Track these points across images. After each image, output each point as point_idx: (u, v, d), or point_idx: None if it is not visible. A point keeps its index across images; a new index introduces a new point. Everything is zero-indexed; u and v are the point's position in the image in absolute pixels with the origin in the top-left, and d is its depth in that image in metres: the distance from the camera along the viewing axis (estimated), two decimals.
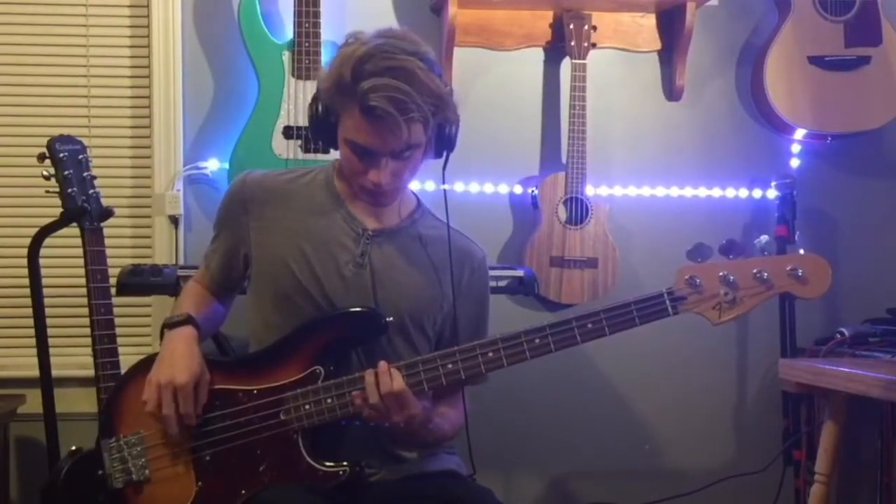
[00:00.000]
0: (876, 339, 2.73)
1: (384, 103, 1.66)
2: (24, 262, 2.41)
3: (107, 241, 2.31)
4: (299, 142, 2.66)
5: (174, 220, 2.83)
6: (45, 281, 2.44)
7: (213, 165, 2.83)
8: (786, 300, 2.89)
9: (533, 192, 2.91)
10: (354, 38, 1.76)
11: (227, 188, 2.01)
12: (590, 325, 1.70)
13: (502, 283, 2.55)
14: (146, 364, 1.82)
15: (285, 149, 2.66)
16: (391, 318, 1.78)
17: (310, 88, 2.65)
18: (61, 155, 2.25)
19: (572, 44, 2.84)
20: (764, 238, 1.69)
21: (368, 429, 1.80)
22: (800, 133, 3.00)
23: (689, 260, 1.69)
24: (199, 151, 2.86)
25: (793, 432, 2.92)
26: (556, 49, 2.95)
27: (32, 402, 2.66)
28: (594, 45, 2.89)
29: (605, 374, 3.03)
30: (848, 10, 2.93)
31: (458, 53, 2.84)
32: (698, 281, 1.68)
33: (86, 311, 2.27)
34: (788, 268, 1.67)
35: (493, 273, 2.45)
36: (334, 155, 1.93)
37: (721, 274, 1.67)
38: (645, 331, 2.85)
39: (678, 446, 3.06)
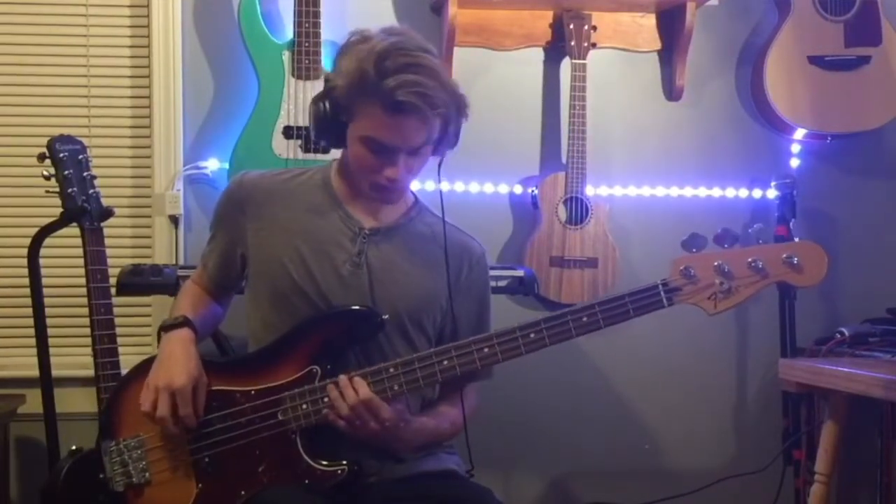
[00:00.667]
0: (876, 339, 2.73)
1: (415, 99, 1.66)
2: (24, 262, 2.41)
3: (107, 241, 2.31)
4: (299, 142, 2.66)
5: (174, 220, 2.83)
6: (45, 281, 2.44)
7: (213, 165, 2.83)
8: (786, 300, 2.89)
9: (533, 191, 2.91)
10: (360, 34, 1.76)
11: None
12: (584, 318, 1.69)
13: (502, 283, 2.55)
14: (145, 367, 1.82)
15: (285, 149, 2.66)
16: (387, 316, 1.78)
17: (310, 88, 2.65)
18: (61, 155, 2.25)
19: (572, 44, 2.84)
20: (758, 226, 1.68)
21: None
22: (800, 133, 3.00)
23: (685, 250, 1.68)
24: (199, 151, 2.86)
25: (793, 432, 2.91)
26: (556, 49, 2.95)
27: (32, 402, 2.66)
28: (594, 45, 2.89)
29: (605, 374, 3.03)
30: (848, 10, 2.93)
31: (458, 53, 2.84)
32: (693, 271, 1.66)
33: (86, 311, 2.27)
34: (784, 256, 1.66)
35: (493, 273, 2.44)
36: (334, 155, 1.93)
37: (716, 264, 1.66)
38: (645, 331, 2.90)
39: (678, 446, 3.06)
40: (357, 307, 1.79)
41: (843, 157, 3.08)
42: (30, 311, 2.43)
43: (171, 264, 2.69)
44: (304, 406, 1.73)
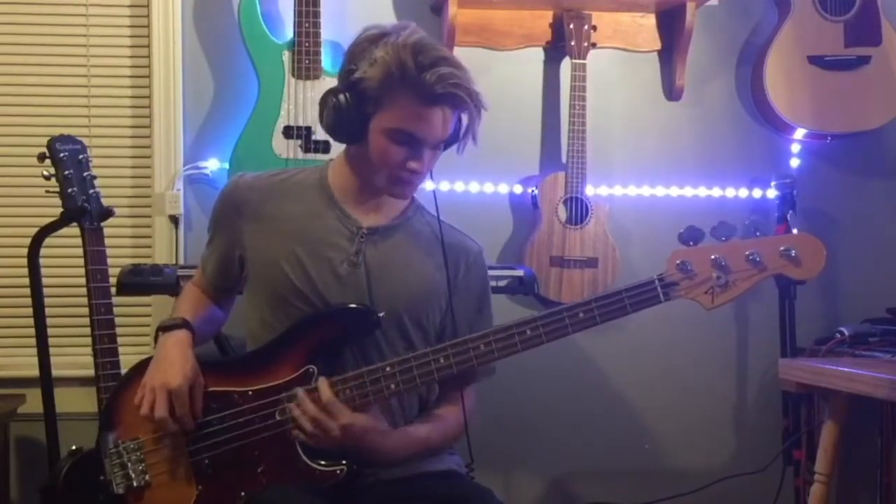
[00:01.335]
0: (876, 339, 2.73)
1: (453, 90, 1.70)
2: (24, 262, 2.41)
3: (107, 241, 2.31)
4: (299, 142, 2.66)
5: (174, 220, 2.83)
6: (45, 281, 2.44)
7: (213, 165, 2.83)
8: (786, 299, 2.88)
9: (533, 191, 2.91)
10: (378, 28, 1.77)
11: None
12: (581, 315, 1.69)
13: (502, 283, 2.55)
14: (143, 367, 1.82)
15: (285, 149, 2.66)
16: (383, 314, 1.78)
17: (310, 88, 2.65)
18: (61, 155, 2.25)
19: (572, 44, 2.84)
20: (754, 217, 1.67)
21: None
22: (800, 133, 3.00)
23: (681, 243, 1.67)
24: (199, 151, 2.86)
25: (793, 432, 2.91)
26: (556, 49, 2.95)
27: (32, 401, 2.66)
28: (594, 45, 2.89)
29: (605, 374, 3.03)
30: (848, 10, 2.93)
31: (458, 53, 2.83)
32: (690, 266, 1.65)
33: (86, 310, 2.27)
34: (781, 248, 1.64)
35: (492, 273, 2.45)
36: (334, 155, 1.93)
37: (713, 257, 1.65)
38: (645, 330, 2.90)
39: (678, 446, 3.06)
40: (353, 305, 1.78)
41: (843, 157, 3.08)
42: (30, 311, 2.43)
43: (172, 264, 2.69)
44: None
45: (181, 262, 2.80)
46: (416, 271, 1.86)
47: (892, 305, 2.87)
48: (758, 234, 1.65)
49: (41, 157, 2.27)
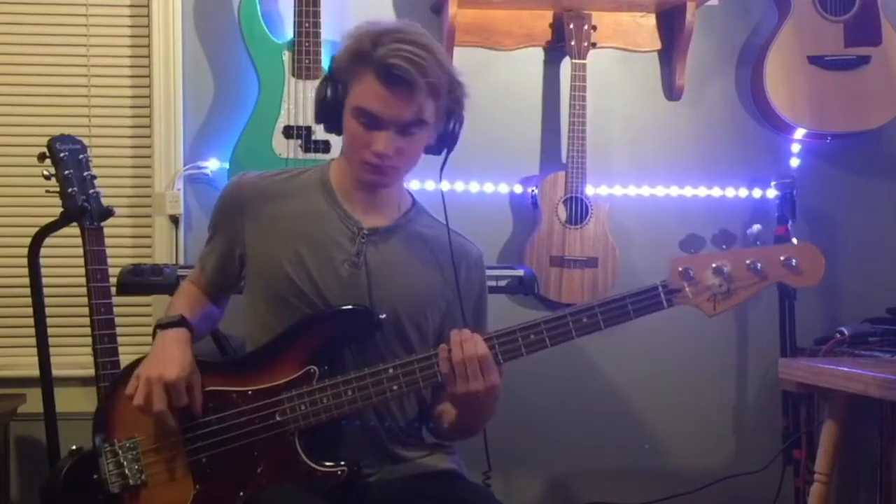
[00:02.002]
0: (876, 339, 2.73)
1: (405, 63, 1.67)
2: (24, 262, 2.41)
3: (107, 241, 2.30)
4: (299, 141, 2.66)
5: (174, 220, 2.83)
6: (45, 281, 2.44)
7: (213, 165, 2.84)
8: (785, 300, 2.89)
9: (533, 191, 2.91)
10: (369, 23, 1.77)
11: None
12: (584, 320, 1.69)
13: (502, 283, 2.55)
14: (138, 366, 1.80)
15: (285, 148, 2.66)
16: (385, 316, 1.78)
17: (310, 88, 2.65)
18: (61, 154, 2.25)
19: (572, 43, 2.84)
20: (756, 227, 1.68)
21: (366, 428, 1.80)
22: (799, 133, 3.00)
23: (683, 251, 1.68)
24: (199, 151, 2.86)
25: (793, 432, 2.91)
26: (556, 49, 2.95)
27: (32, 401, 2.66)
28: (594, 45, 2.89)
29: (605, 374, 3.03)
30: (848, 10, 2.93)
31: (458, 53, 2.84)
32: (692, 273, 1.66)
33: (86, 310, 2.27)
34: (782, 258, 1.66)
35: (492, 273, 2.45)
36: (335, 154, 1.93)
37: (715, 265, 1.66)
38: (645, 331, 2.89)
39: (678, 446, 3.06)
40: (354, 306, 1.78)
41: (843, 157, 3.09)
42: (30, 310, 2.43)
43: (172, 264, 2.69)
44: (303, 407, 1.73)
45: (181, 262, 2.80)
46: (415, 274, 1.85)
47: (892, 305, 2.87)
48: (758, 243, 1.67)
49: (41, 157, 2.26)
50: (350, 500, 1.74)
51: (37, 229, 2.39)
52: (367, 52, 1.70)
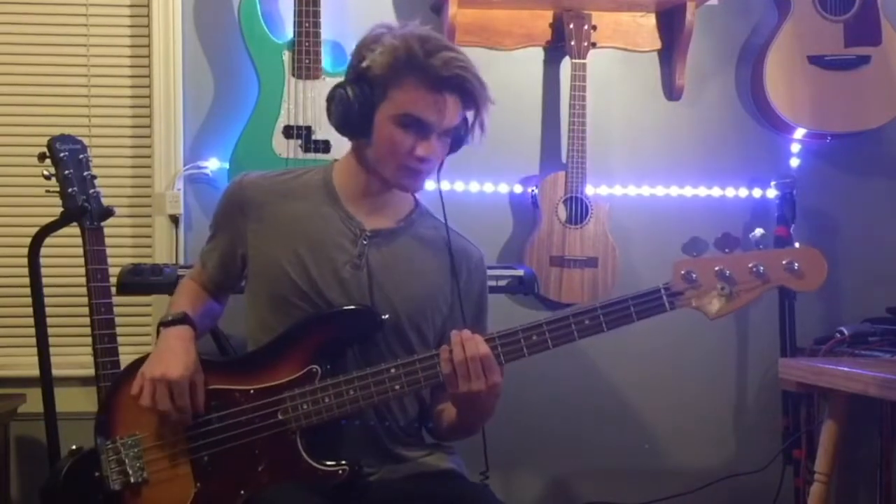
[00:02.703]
0: (876, 339, 2.73)
1: (461, 72, 1.71)
2: (25, 261, 2.41)
3: (107, 241, 2.30)
4: (299, 141, 2.66)
5: (174, 220, 2.83)
6: (45, 281, 2.44)
7: (213, 165, 2.84)
8: (785, 300, 2.89)
9: (533, 191, 2.91)
10: (384, 26, 1.79)
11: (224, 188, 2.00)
12: (587, 322, 1.69)
13: (502, 283, 2.55)
14: (141, 364, 1.80)
15: (285, 148, 2.66)
16: (387, 316, 1.78)
17: (310, 88, 2.65)
18: (62, 154, 2.25)
19: (572, 43, 2.84)
20: (759, 231, 1.69)
21: (367, 428, 1.80)
22: (799, 132, 3.00)
23: (685, 254, 1.68)
24: (199, 151, 2.86)
25: (792, 432, 2.91)
26: (556, 49, 2.95)
27: (32, 401, 2.66)
28: (594, 45, 2.89)
29: (605, 374, 3.03)
30: (848, 10, 2.93)
31: None
32: (695, 276, 1.67)
33: (86, 310, 2.27)
34: (784, 262, 1.66)
35: (493, 273, 2.45)
36: (335, 154, 1.93)
37: (717, 268, 1.67)
38: (645, 331, 2.86)
39: (678, 446, 3.06)
40: (357, 306, 1.78)
41: (843, 157, 3.09)
42: (30, 310, 2.43)
43: (172, 264, 2.68)
44: (305, 406, 1.73)
45: (181, 261, 2.80)
46: (417, 276, 1.85)
47: (892, 305, 2.87)
48: (761, 247, 1.67)
49: (41, 157, 2.26)
50: (351, 499, 1.74)
51: (37, 229, 2.39)
52: (418, 58, 1.71)
